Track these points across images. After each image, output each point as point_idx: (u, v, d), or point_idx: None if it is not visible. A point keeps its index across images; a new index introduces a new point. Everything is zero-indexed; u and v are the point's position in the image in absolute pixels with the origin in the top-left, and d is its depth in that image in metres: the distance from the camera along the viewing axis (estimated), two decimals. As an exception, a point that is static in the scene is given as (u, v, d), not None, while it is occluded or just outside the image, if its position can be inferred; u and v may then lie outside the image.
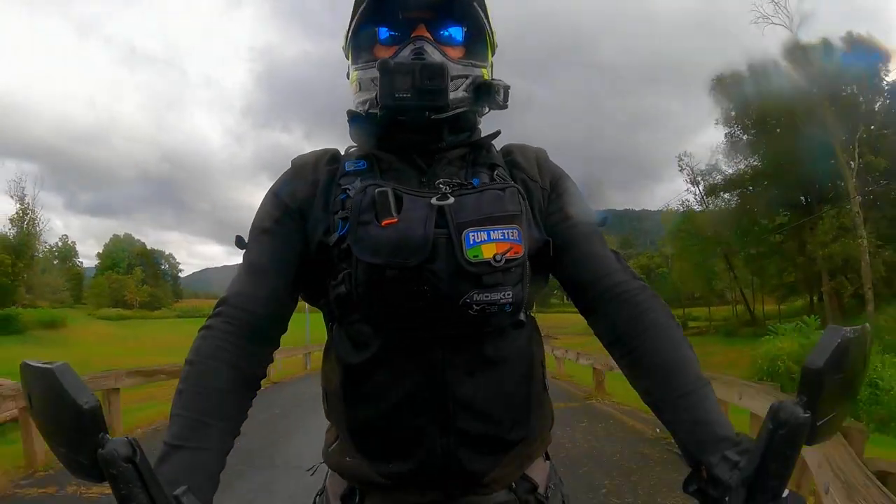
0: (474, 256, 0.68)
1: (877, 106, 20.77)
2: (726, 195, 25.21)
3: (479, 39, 0.81)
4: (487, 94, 0.78)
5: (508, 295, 0.69)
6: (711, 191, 25.81)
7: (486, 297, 0.68)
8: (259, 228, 0.79)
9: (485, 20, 0.80)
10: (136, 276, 52.54)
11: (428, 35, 0.76)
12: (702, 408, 0.66)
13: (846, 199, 18.64)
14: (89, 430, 0.51)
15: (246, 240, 0.81)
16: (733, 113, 22.87)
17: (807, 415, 0.51)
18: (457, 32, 0.78)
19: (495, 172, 0.79)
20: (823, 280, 20.72)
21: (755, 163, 23.84)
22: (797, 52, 18.81)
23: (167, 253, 66.68)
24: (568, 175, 0.86)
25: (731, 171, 24.73)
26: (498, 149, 0.86)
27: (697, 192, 27.28)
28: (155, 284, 56.25)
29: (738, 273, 27.02)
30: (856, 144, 18.43)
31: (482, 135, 0.84)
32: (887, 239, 19.20)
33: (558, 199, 0.82)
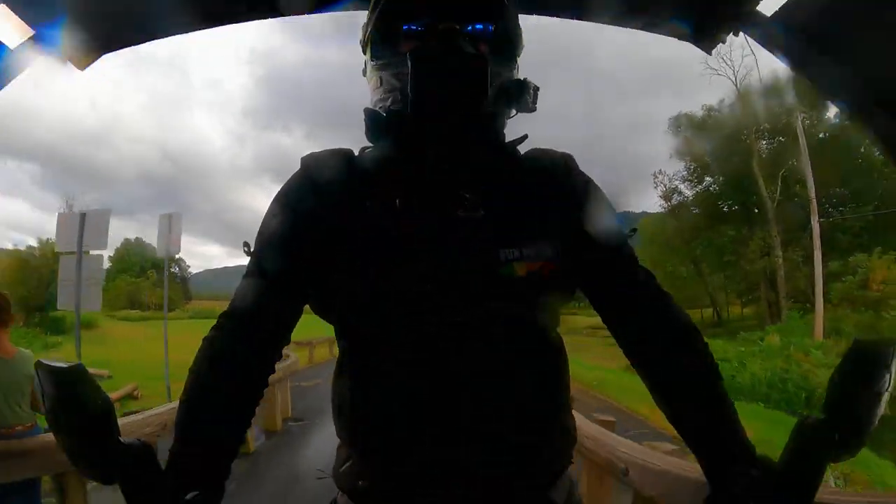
0: (506, 273, 0.66)
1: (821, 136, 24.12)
2: (694, 210, 28.75)
3: (507, 38, 0.76)
4: (518, 94, 0.75)
5: (538, 311, 0.69)
6: (677, 209, 29.06)
7: (516, 312, 0.67)
8: (267, 233, 0.76)
9: (514, 18, 0.76)
10: (150, 278, 55.48)
11: (456, 28, 0.70)
12: (720, 426, 0.66)
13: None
14: (102, 430, 0.52)
15: (253, 245, 0.76)
16: (686, 148, 25.76)
17: (831, 431, 0.50)
18: (485, 27, 0.74)
19: (522, 180, 0.75)
20: (762, 289, 23.76)
21: (711, 187, 27.04)
22: (741, 98, 22.35)
23: (177, 257, 69.56)
24: (595, 182, 0.81)
25: (690, 193, 27.88)
26: (522, 154, 0.81)
27: (668, 206, 30.72)
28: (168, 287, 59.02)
29: (707, 280, 30.47)
30: (779, 179, 21.49)
31: (507, 139, 0.79)
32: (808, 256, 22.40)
33: (586, 206, 0.77)
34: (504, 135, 0.80)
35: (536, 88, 0.76)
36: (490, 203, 0.70)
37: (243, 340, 0.73)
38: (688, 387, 0.71)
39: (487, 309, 0.68)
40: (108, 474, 0.53)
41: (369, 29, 0.77)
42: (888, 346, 0.52)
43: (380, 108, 0.76)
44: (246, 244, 0.77)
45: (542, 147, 0.82)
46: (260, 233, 0.78)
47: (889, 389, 0.53)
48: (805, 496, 0.53)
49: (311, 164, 0.79)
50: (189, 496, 0.58)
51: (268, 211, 0.78)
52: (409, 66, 0.68)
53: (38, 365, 0.55)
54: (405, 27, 0.74)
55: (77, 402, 0.52)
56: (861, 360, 0.51)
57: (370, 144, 0.79)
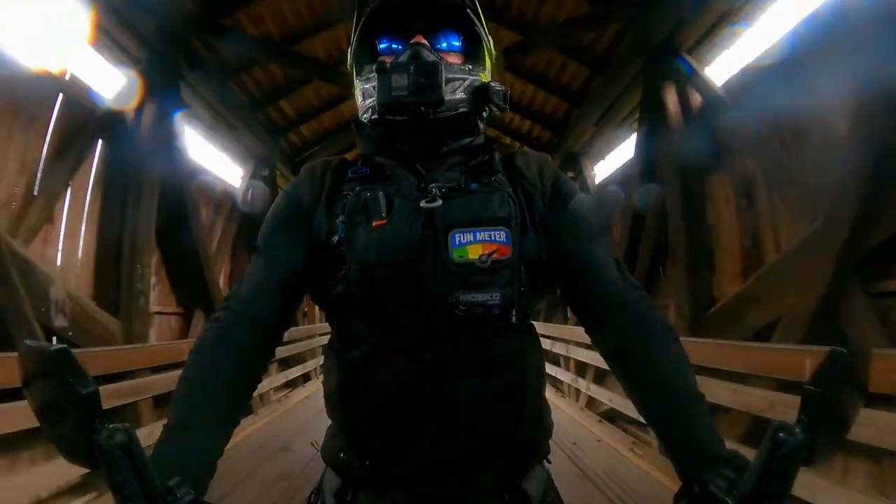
0: (459, 257, 0.68)
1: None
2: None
3: (476, 47, 0.83)
4: (486, 96, 0.79)
5: (496, 297, 0.69)
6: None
7: (472, 297, 0.69)
8: (269, 229, 0.81)
9: (481, 29, 0.81)
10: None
11: (425, 42, 0.77)
12: (694, 424, 0.66)
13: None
14: (86, 415, 0.50)
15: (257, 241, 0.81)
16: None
17: (805, 435, 0.50)
18: (454, 41, 0.81)
19: (493, 178, 0.77)
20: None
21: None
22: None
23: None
24: (571, 180, 0.94)
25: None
26: (501, 155, 0.83)
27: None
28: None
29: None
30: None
31: (483, 139, 0.83)
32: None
33: (560, 204, 0.79)
34: (481, 136, 0.85)
35: (506, 91, 0.81)
36: (452, 193, 0.73)
37: (241, 326, 0.75)
38: (659, 386, 0.70)
39: (451, 297, 0.69)
40: (91, 458, 0.51)
41: (352, 51, 0.84)
42: (865, 355, 0.55)
43: (364, 118, 0.82)
44: (250, 239, 0.80)
45: (521, 149, 0.87)
46: (262, 228, 0.83)
47: (864, 395, 0.56)
48: (778, 501, 0.53)
49: (309, 170, 0.84)
50: (172, 482, 0.56)
51: (270, 209, 0.85)
52: (375, 77, 0.75)
53: (23, 345, 0.53)
54: (381, 47, 0.81)
55: (60, 385, 0.50)
56: (837, 367, 0.52)
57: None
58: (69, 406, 0.51)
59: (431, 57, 0.75)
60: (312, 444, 0.87)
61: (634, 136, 4.90)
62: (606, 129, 5.80)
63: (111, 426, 0.51)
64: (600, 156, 6.45)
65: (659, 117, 4.09)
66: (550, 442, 0.84)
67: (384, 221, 0.71)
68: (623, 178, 5.55)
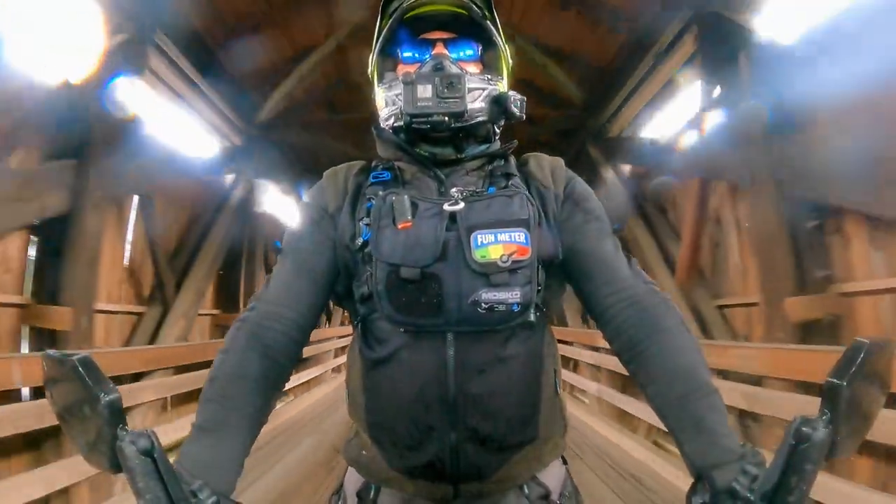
0: (482, 257, 0.71)
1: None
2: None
3: (494, 57, 0.85)
4: (504, 105, 0.80)
5: (516, 294, 0.71)
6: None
7: (494, 295, 0.71)
8: (294, 234, 0.84)
9: (499, 40, 0.84)
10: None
11: (446, 52, 0.81)
12: (706, 416, 0.66)
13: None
14: (109, 421, 0.51)
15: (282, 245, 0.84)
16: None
17: (828, 430, 0.49)
18: (473, 50, 0.84)
19: (510, 182, 0.80)
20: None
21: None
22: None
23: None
24: (583, 181, 0.86)
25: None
26: (514, 158, 0.87)
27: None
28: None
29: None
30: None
31: (500, 145, 0.86)
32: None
33: (572, 204, 0.82)
34: (498, 142, 0.87)
35: (523, 99, 0.82)
36: (472, 199, 0.75)
37: (269, 327, 0.76)
38: (670, 378, 0.71)
39: (474, 296, 0.71)
40: (115, 464, 0.53)
41: (374, 58, 0.87)
42: (887, 345, 0.52)
43: (386, 125, 0.84)
44: (276, 243, 0.88)
45: (535, 153, 0.89)
46: (287, 233, 0.86)
47: (888, 388, 0.54)
48: (800, 495, 0.51)
49: (331, 175, 0.87)
50: (195, 486, 0.57)
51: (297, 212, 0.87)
52: (402, 87, 0.77)
53: (45, 356, 0.55)
54: (403, 56, 0.84)
55: (83, 393, 0.52)
56: (860, 359, 0.50)
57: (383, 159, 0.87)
58: (92, 412, 0.52)
59: (454, 69, 0.78)
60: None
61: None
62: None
63: (133, 431, 0.53)
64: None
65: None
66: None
67: (409, 224, 0.73)
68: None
